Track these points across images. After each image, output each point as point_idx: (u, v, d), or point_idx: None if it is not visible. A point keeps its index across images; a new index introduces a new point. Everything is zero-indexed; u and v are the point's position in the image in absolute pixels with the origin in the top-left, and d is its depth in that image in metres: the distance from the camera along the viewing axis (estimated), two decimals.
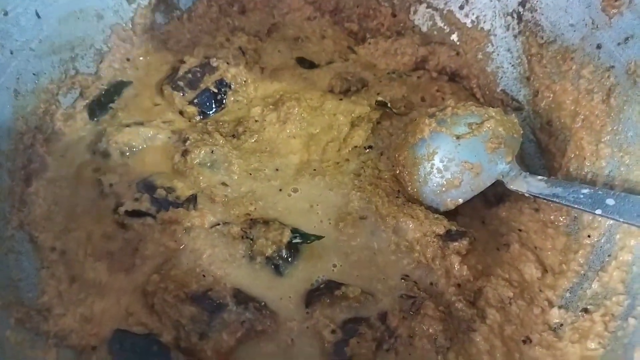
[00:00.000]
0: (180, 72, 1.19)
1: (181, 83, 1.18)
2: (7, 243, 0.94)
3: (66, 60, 1.13)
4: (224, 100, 1.19)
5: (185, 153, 1.06)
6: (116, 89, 1.19)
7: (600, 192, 0.92)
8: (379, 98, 1.22)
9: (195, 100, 1.17)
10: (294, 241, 0.97)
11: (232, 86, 1.20)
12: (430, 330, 0.88)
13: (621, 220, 0.88)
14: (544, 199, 0.98)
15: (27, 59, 1.04)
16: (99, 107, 1.16)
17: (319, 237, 0.98)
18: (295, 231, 0.98)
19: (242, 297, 0.90)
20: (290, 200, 1.05)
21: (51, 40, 1.09)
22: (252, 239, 0.97)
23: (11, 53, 1.01)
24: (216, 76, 1.19)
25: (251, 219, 1.00)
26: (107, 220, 0.99)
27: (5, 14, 0.98)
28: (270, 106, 1.17)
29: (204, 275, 0.92)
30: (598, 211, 0.90)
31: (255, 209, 1.02)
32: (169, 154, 1.09)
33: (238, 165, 1.07)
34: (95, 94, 1.17)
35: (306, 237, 0.98)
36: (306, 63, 1.33)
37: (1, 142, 0.98)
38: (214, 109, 1.18)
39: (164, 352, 0.85)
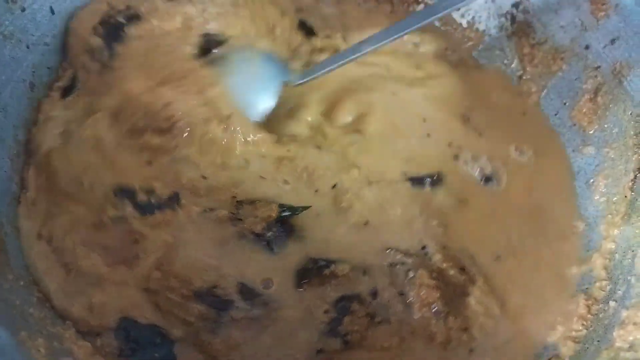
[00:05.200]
0: None
1: None
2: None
3: None
4: None
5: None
6: None
7: None
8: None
9: None
10: (283, 214, 0.96)
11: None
12: (430, 299, 0.89)
13: None
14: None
15: (42, 53, 1.08)
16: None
17: (305, 208, 0.98)
18: (282, 206, 0.98)
19: (247, 292, 0.89)
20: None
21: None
22: (241, 219, 0.96)
23: (27, 47, 1.05)
24: None
25: (237, 201, 0.98)
26: (95, 214, 0.93)
27: (23, 10, 1.02)
28: None
29: (205, 270, 0.90)
30: None
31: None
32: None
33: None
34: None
35: (294, 210, 0.98)
36: (305, 28, 1.24)
37: (18, 133, 1.02)
38: None
39: (166, 345, 0.85)
